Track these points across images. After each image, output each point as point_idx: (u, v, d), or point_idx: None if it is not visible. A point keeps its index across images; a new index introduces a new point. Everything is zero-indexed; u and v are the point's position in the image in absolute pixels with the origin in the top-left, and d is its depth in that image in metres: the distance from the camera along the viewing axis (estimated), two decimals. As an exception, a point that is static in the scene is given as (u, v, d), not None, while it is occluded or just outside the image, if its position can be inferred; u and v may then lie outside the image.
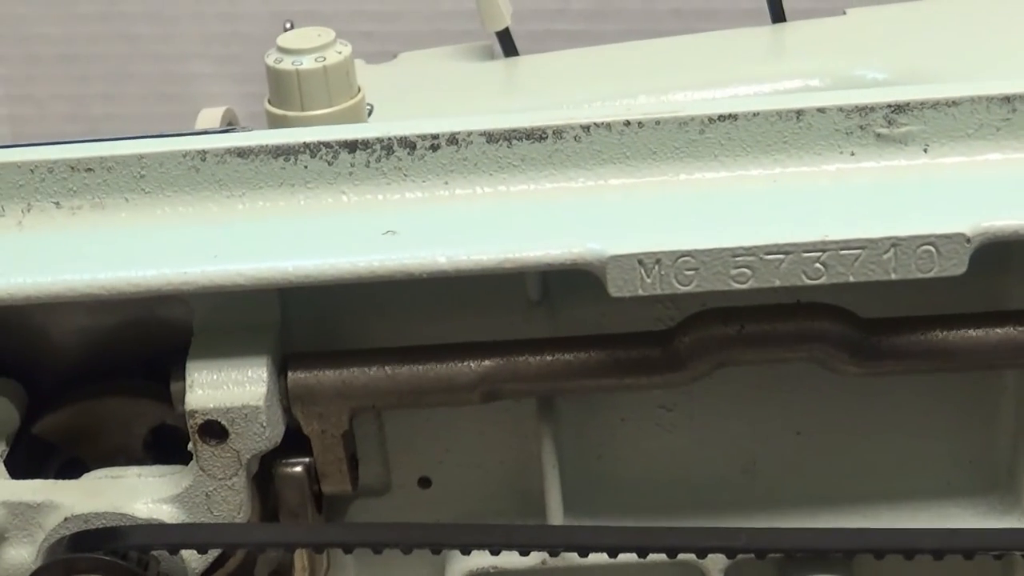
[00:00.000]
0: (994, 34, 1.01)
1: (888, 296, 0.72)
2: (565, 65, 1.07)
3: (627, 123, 0.70)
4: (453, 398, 0.71)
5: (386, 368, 0.71)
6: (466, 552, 0.69)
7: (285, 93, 0.87)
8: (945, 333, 0.70)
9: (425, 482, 0.78)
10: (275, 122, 0.87)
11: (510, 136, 0.70)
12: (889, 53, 1.01)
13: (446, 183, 0.71)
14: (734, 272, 0.65)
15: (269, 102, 0.88)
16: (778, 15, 1.08)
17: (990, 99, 0.69)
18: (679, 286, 0.65)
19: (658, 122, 0.70)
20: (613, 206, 0.69)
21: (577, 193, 0.70)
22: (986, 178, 0.69)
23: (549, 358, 0.71)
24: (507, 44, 1.08)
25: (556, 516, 0.76)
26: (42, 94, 1.28)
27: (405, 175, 0.71)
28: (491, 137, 0.70)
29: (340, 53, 0.88)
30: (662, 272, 0.65)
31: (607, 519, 0.78)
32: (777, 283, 0.65)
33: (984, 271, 0.72)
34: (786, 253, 0.65)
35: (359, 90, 0.90)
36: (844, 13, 1.09)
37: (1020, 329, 0.70)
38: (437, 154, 0.70)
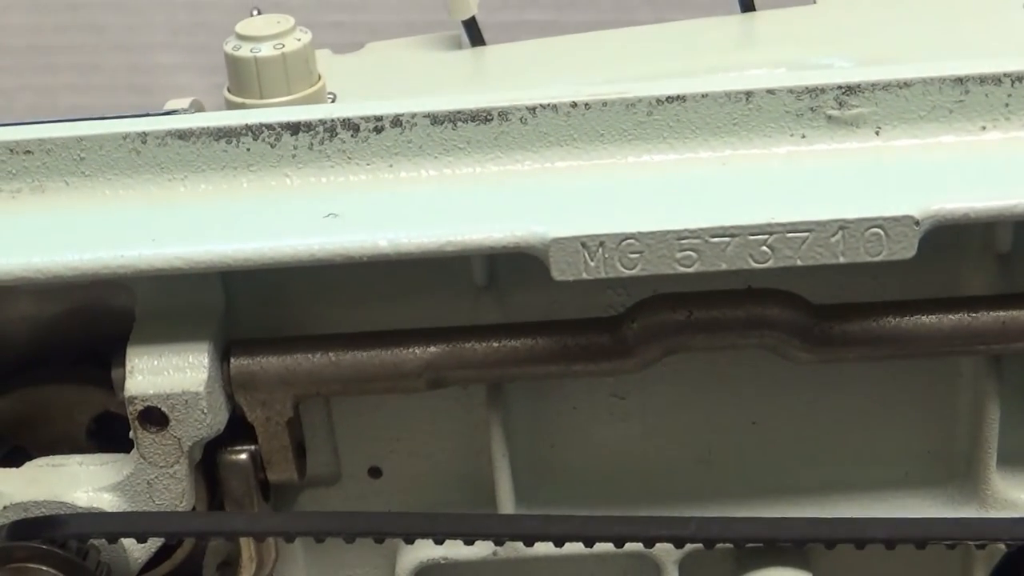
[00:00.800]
0: (964, 23, 0.99)
1: (843, 282, 0.71)
2: (532, 55, 1.06)
3: (574, 104, 0.69)
4: (398, 385, 0.70)
5: (330, 354, 0.70)
6: (409, 541, 0.67)
7: (244, 81, 0.86)
8: (897, 319, 0.69)
9: (375, 472, 0.77)
10: (234, 110, 0.86)
11: (455, 118, 0.69)
12: (857, 42, 0.99)
13: (391, 166, 0.70)
14: (679, 255, 0.64)
15: (228, 90, 0.87)
16: (747, 4, 1.07)
17: (942, 81, 0.68)
18: (623, 270, 0.64)
19: (605, 104, 0.69)
20: (559, 189, 0.68)
21: (523, 176, 0.69)
22: (938, 161, 0.68)
23: (495, 344, 0.70)
24: (474, 33, 1.07)
25: (507, 505, 0.75)
26: (10, 85, 1.27)
27: (349, 158, 0.70)
28: (436, 119, 0.69)
29: (299, 40, 0.86)
30: (606, 255, 0.64)
31: (561, 509, 0.76)
32: (724, 266, 0.64)
33: (940, 256, 0.71)
34: (732, 236, 0.63)
35: (319, 78, 0.89)
36: (814, 2, 1.08)
37: (973, 315, 0.69)
38: (381, 136, 0.69)
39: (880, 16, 1.04)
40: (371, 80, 1.06)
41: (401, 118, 0.69)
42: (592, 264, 0.64)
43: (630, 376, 0.73)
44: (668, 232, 0.63)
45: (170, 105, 1.01)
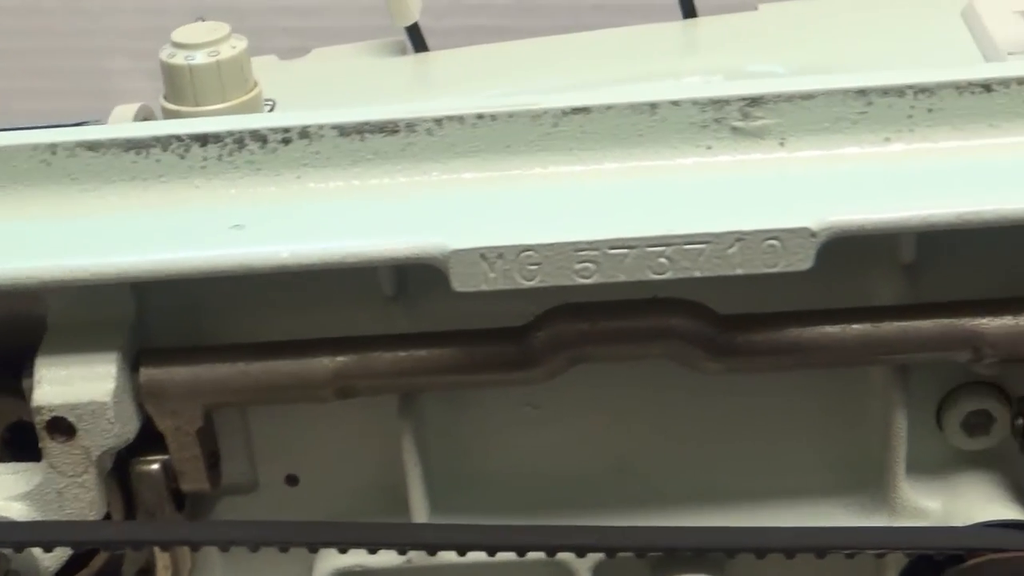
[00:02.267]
0: (901, 31, 1.00)
1: (756, 291, 0.71)
2: (474, 61, 1.07)
3: (479, 116, 0.69)
4: (307, 394, 0.71)
5: (238, 364, 0.70)
6: (313, 550, 0.68)
7: (179, 88, 0.86)
8: (801, 329, 0.69)
9: (292, 480, 0.78)
10: (170, 118, 0.87)
11: (362, 129, 0.69)
12: (793, 49, 1.00)
13: (299, 177, 0.70)
14: (578, 267, 0.64)
15: (165, 98, 0.87)
16: (689, 10, 1.08)
17: (845, 92, 0.68)
18: (523, 281, 0.65)
19: (511, 115, 0.69)
20: (466, 200, 0.68)
21: (431, 187, 0.70)
22: (842, 172, 0.68)
23: (403, 354, 0.70)
24: (417, 39, 1.08)
25: (420, 514, 0.75)
26: (-38, 89, 1.28)
27: (258, 169, 0.70)
28: (343, 130, 0.69)
29: (234, 48, 0.87)
30: (505, 267, 0.64)
31: (478, 517, 0.77)
32: (623, 278, 0.64)
33: (850, 267, 0.71)
34: (630, 248, 0.64)
35: (255, 85, 0.89)
36: (756, 8, 1.08)
37: (877, 325, 0.69)
38: (289, 148, 0.70)
39: (819, 24, 1.04)
40: (314, 87, 1.07)
41: (308, 130, 0.69)
42: (492, 275, 0.64)
43: (543, 385, 0.73)
44: (566, 244, 0.64)
45: (117, 111, 1.02)
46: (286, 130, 0.69)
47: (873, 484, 0.75)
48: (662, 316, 0.69)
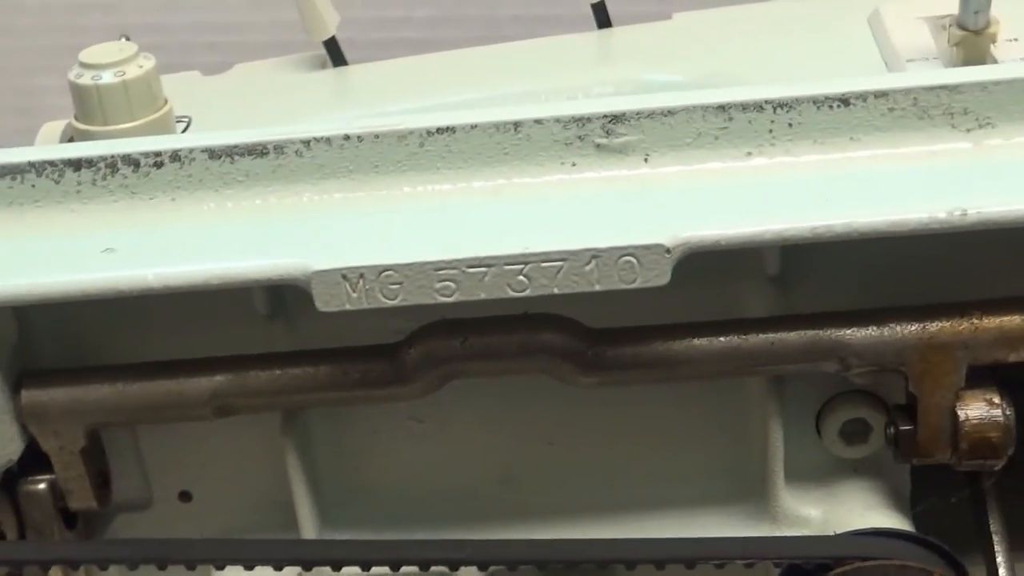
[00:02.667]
0: (811, 39, 1.00)
1: (630, 305, 0.71)
2: (389, 75, 1.08)
3: (347, 137, 0.70)
4: (185, 413, 0.72)
5: (118, 385, 0.71)
6: (191, 567, 0.69)
7: (88, 108, 0.87)
8: (670, 343, 0.70)
9: (186, 496, 0.79)
10: (81, 137, 0.87)
11: (232, 152, 0.70)
12: (703, 58, 1.01)
13: (173, 199, 0.71)
14: (439, 285, 0.65)
15: (75, 118, 0.88)
16: (603, 21, 1.08)
17: (705, 108, 0.69)
18: (386, 300, 0.65)
19: (377, 136, 0.70)
20: (332, 220, 0.69)
21: (302, 208, 0.70)
22: (705, 187, 0.69)
23: (278, 372, 0.71)
24: (335, 53, 1.08)
25: (309, 530, 0.76)
26: None
27: (132, 192, 0.71)
28: (213, 153, 0.70)
29: (141, 67, 0.88)
30: (367, 287, 0.65)
31: (369, 531, 0.78)
32: (483, 296, 0.65)
33: (722, 279, 0.72)
34: (488, 266, 0.65)
35: (165, 102, 0.90)
36: (670, 17, 1.09)
37: (743, 337, 0.70)
38: (162, 171, 0.71)
39: (732, 30, 1.05)
40: (234, 102, 1.08)
41: (180, 153, 0.70)
42: (355, 295, 0.65)
43: (426, 399, 0.74)
44: (426, 263, 0.65)
45: (45, 128, 1.03)
46: (157, 154, 0.70)
47: (756, 493, 0.76)
48: (532, 332, 0.70)
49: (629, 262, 0.64)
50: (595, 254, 0.64)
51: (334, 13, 1.07)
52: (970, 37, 0.84)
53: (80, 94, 0.87)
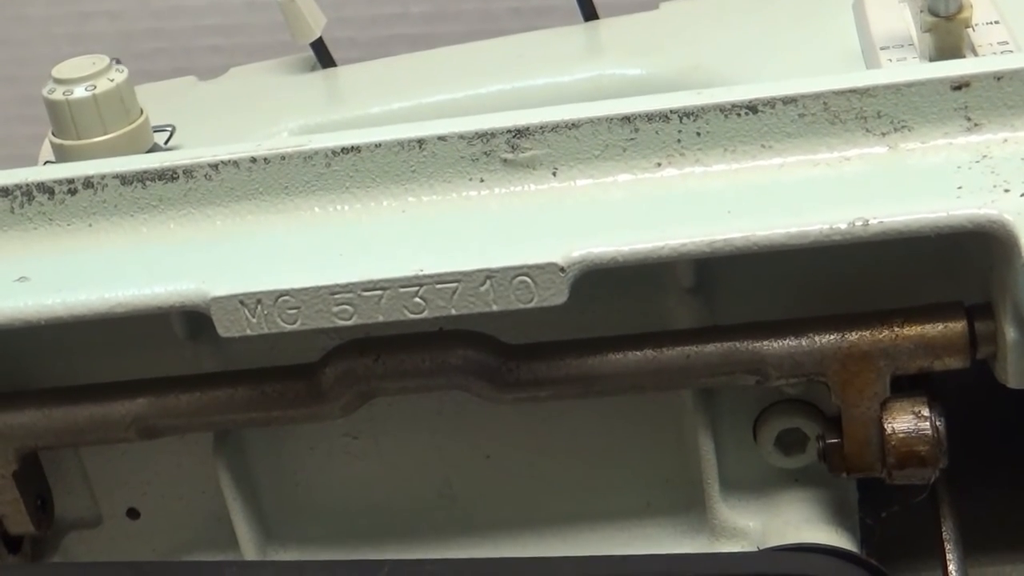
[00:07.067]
0: (796, 29, 0.98)
1: (550, 320, 0.70)
2: (379, 74, 1.07)
3: (253, 160, 0.70)
4: (110, 436, 0.72)
5: (43, 409, 0.72)
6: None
7: (62, 124, 0.88)
8: (584, 358, 0.69)
9: (134, 513, 0.79)
10: (58, 152, 0.89)
11: (143, 177, 0.70)
12: (679, 50, 0.99)
13: (90, 226, 0.71)
14: (336, 309, 0.65)
15: (52, 133, 0.89)
16: (590, 13, 1.07)
17: (610, 120, 0.67)
18: (285, 325, 0.65)
19: (283, 157, 0.70)
20: (244, 244, 0.69)
21: (215, 232, 0.70)
22: (615, 199, 0.68)
23: (199, 394, 0.71)
24: (322, 55, 1.09)
25: (249, 548, 0.76)
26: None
27: (50, 219, 0.72)
28: (124, 179, 0.71)
29: (112, 81, 0.88)
30: (265, 312, 0.65)
31: (312, 548, 0.78)
32: (381, 318, 0.65)
33: (645, 292, 0.71)
34: (383, 289, 0.64)
35: (140, 113, 0.91)
36: (657, 7, 1.07)
37: (659, 351, 0.68)
38: (76, 198, 0.71)
39: (716, 20, 1.03)
40: (228, 106, 1.08)
41: (92, 179, 0.71)
42: (254, 320, 0.65)
43: (359, 414, 0.74)
44: (321, 288, 0.64)
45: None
46: (70, 181, 0.71)
47: (696, 506, 0.75)
48: (444, 349, 0.69)
49: (524, 282, 0.63)
50: (489, 275, 0.63)
51: (319, 15, 1.07)
52: (942, 23, 0.81)
53: (53, 109, 0.88)
